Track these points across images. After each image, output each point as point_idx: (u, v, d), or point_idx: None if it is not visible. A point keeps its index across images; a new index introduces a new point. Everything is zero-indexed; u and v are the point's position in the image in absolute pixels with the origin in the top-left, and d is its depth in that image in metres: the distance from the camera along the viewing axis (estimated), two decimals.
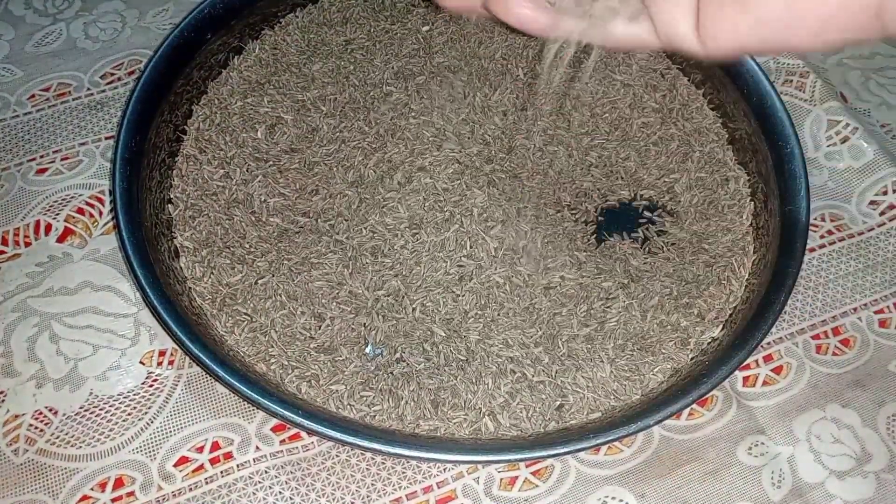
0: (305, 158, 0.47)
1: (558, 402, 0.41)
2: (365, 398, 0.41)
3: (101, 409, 0.42)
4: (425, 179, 0.47)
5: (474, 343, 0.42)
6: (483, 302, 0.44)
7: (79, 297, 0.45)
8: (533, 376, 0.42)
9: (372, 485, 0.40)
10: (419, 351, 0.42)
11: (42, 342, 0.44)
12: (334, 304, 0.43)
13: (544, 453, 0.38)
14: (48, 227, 0.47)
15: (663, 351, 0.43)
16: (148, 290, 0.39)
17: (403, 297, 0.43)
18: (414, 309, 0.43)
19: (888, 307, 0.47)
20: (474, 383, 0.41)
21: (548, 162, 0.49)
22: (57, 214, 0.48)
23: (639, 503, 0.41)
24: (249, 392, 0.37)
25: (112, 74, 0.53)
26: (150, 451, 0.41)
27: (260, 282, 0.43)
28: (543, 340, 0.43)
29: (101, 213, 0.48)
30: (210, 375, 0.40)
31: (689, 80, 0.53)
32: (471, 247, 0.45)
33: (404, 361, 0.42)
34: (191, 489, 0.40)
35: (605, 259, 0.46)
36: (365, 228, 0.45)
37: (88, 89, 0.53)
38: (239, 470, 0.41)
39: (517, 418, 0.41)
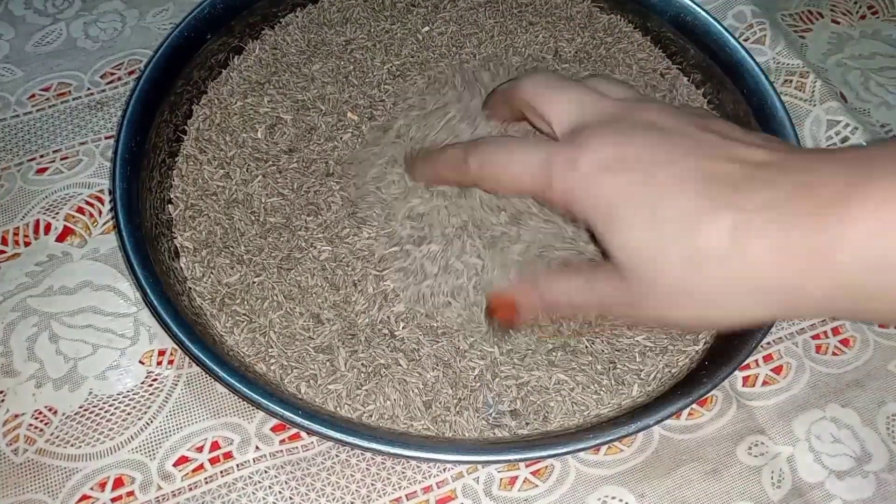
0: (304, 157, 0.47)
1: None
2: (358, 397, 0.41)
3: (100, 409, 0.42)
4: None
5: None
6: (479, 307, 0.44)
7: (78, 297, 0.45)
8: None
9: (372, 485, 0.40)
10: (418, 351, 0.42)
11: (42, 342, 0.44)
12: (329, 305, 0.43)
13: (544, 453, 0.38)
14: (48, 227, 0.47)
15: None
16: (148, 290, 0.39)
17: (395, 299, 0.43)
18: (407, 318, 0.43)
19: None
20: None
21: None
22: (56, 214, 0.48)
23: (639, 503, 0.41)
24: (249, 392, 0.37)
25: (112, 74, 0.53)
26: (149, 451, 0.41)
27: (259, 282, 0.43)
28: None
29: (100, 213, 0.48)
30: (210, 375, 0.40)
31: (689, 80, 0.52)
32: (469, 249, 0.45)
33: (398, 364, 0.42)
34: (190, 489, 0.40)
35: None
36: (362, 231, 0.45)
37: (88, 89, 0.53)
38: (239, 470, 0.41)
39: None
